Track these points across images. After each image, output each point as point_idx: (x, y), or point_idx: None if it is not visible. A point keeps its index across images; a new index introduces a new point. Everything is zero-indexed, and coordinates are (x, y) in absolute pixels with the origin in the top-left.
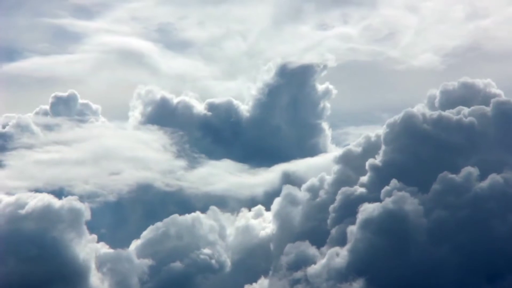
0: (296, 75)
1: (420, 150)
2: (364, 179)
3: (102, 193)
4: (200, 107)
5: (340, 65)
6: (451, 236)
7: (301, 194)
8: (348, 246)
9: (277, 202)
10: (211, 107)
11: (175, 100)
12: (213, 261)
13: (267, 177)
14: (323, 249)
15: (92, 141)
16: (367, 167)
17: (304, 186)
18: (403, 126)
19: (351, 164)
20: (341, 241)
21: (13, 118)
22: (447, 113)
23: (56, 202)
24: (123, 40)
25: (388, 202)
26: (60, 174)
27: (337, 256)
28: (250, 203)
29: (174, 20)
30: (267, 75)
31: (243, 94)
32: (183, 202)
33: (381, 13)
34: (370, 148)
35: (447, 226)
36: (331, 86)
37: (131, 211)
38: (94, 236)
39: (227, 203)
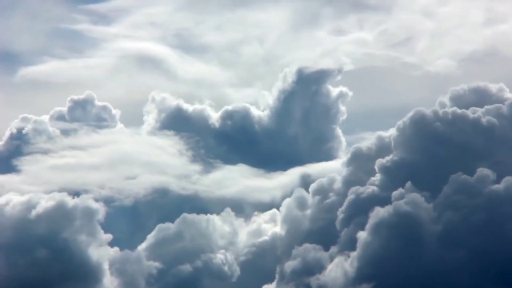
0: (312, 80)
1: (432, 150)
2: (374, 179)
3: (118, 197)
4: (216, 115)
5: (356, 70)
6: (464, 240)
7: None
8: (358, 251)
9: (286, 204)
10: (227, 113)
11: (190, 108)
12: (225, 267)
13: (283, 180)
14: (332, 251)
15: (108, 146)
16: (377, 167)
17: (312, 185)
18: (414, 125)
19: (362, 163)
20: (351, 244)
21: (29, 120)
22: (462, 111)
23: (70, 201)
24: (140, 45)
25: (399, 205)
26: (75, 179)
27: (346, 261)
28: (266, 206)
29: (191, 25)
30: (283, 80)
31: (259, 100)
32: (199, 206)
33: (397, 18)
34: (382, 148)
35: (460, 229)
36: (346, 89)
37: (147, 215)
38: (109, 236)
39: (242, 206)
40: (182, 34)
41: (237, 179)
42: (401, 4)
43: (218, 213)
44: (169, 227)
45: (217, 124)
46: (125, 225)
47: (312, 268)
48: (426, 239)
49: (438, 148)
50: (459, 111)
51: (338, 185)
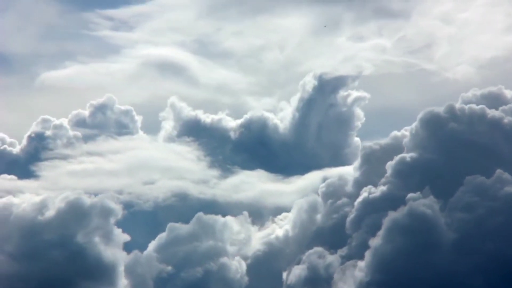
0: (331, 86)
1: (447, 151)
2: (386, 180)
3: (137, 202)
4: (234, 122)
5: (374, 77)
6: (478, 244)
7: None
8: (370, 256)
9: (297, 206)
10: (246, 121)
11: (208, 119)
12: (238, 276)
13: (300, 184)
14: (341, 254)
15: (127, 152)
16: (388, 168)
17: (321, 186)
18: (426, 125)
19: (373, 164)
20: (361, 247)
21: (49, 122)
22: (480, 107)
23: (87, 200)
24: (161, 51)
25: (412, 208)
26: (94, 185)
27: (355, 267)
28: (284, 210)
29: (212, 31)
30: (302, 87)
31: (278, 107)
32: (217, 210)
33: (416, 24)
34: (395, 148)
35: (474, 233)
36: (364, 93)
37: (166, 219)
38: (127, 236)
39: (260, 210)
40: (203, 40)
41: (255, 183)
42: (420, 11)
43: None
44: (181, 227)
45: (235, 132)
46: (144, 228)
47: (320, 276)
48: (439, 243)
49: (453, 149)
50: (476, 108)
51: (349, 185)
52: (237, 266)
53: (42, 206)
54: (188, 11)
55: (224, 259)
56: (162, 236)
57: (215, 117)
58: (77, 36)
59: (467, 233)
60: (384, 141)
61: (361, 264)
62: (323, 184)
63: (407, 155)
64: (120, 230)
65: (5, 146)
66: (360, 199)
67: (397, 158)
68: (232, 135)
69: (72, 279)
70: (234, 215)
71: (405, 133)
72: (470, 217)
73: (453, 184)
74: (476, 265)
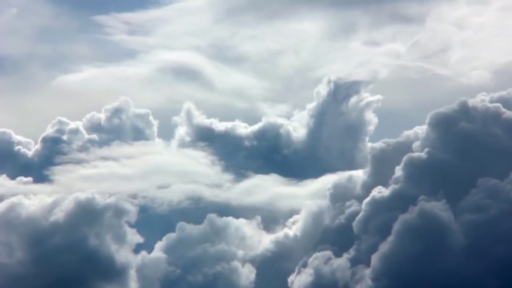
0: (344, 92)
1: (459, 150)
2: (395, 180)
3: (151, 206)
4: (248, 129)
5: (388, 82)
6: (489, 248)
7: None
8: (378, 260)
9: (306, 207)
10: (260, 127)
11: (222, 127)
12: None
13: (314, 187)
14: (348, 256)
15: (141, 157)
16: (398, 168)
17: (329, 187)
18: (438, 123)
19: (384, 163)
20: (369, 250)
21: (64, 125)
22: (494, 106)
23: (101, 200)
24: (177, 55)
25: (421, 210)
26: (107, 189)
27: (363, 271)
28: (296, 213)
29: (228, 35)
30: (316, 93)
31: (292, 112)
32: (231, 213)
33: (431, 29)
34: (408, 147)
35: (486, 236)
36: (378, 97)
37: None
38: (139, 238)
39: (274, 213)
40: (219, 44)
41: (268, 187)
42: (435, 15)
43: (250, 219)
44: (191, 227)
45: (250, 138)
46: (158, 231)
47: (325, 281)
48: (450, 246)
49: (466, 148)
50: (490, 106)
51: (358, 187)
52: (247, 273)
53: (54, 206)
54: (204, 15)
55: (234, 263)
56: (171, 236)
57: (229, 124)
58: (93, 40)
59: (479, 236)
60: (394, 140)
61: (369, 270)
62: (330, 186)
63: (418, 155)
64: (134, 230)
65: (20, 147)
66: (368, 199)
67: (406, 157)
68: (246, 141)
69: (83, 280)
70: (247, 218)
71: (418, 130)
72: (482, 219)
73: (465, 186)
74: (488, 270)
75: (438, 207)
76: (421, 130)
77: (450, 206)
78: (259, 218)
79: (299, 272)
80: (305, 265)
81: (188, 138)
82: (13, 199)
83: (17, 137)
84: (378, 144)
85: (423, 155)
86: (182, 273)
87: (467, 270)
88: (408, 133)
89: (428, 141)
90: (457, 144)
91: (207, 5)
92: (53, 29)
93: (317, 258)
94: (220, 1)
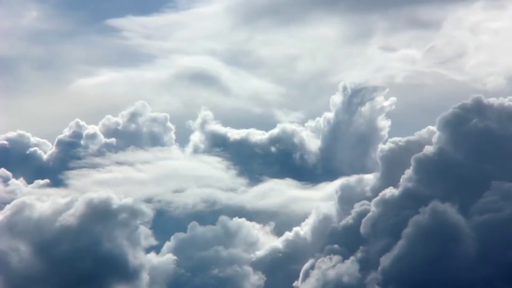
0: (359, 97)
1: (472, 149)
2: (405, 180)
3: (167, 209)
4: (263, 135)
5: (403, 88)
6: (501, 254)
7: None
8: (387, 263)
9: (316, 209)
10: (275, 134)
11: (237, 135)
12: None
13: (329, 190)
14: (355, 258)
15: (157, 162)
16: (407, 171)
17: (336, 189)
18: (451, 122)
19: (394, 164)
20: (376, 252)
21: (82, 128)
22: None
23: (117, 200)
24: (194, 60)
25: (432, 213)
26: (122, 194)
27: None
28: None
29: (245, 40)
30: (331, 99)
31: (308, 118)
32: (246, 216)
33: (446, 34)
34: (421, 146)
35: (499, 240)
36: (392, 100)
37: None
38: (153, 240)
39: (288, 216)
40: (236, 49)
41: (283, 190)
42: (451, 21)
43: (264, 224)
44: (203, 228)
45: (264, 144)
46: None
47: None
48: (461, 249)
49: (479, 148)
50: (506, 103)
51: (367, 188)
52: (256, 278)
53: (68, 207)
54: (221, 20)
55: (243, 267)
56: (180, 236)
57: (245, 131)
58: (111, 44)
59: (492, 240)
60: (404, 139)
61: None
62: (338, 188)
63: (429, 154)
64: (149, 232)
65: (36, 148)
66: (377, 199)
67: (416, 157)
68: (261, 147)
69: (96, 280)
70: (262, 221)
71: (431, 128)
72: (495, 223)
73: (478, 187)
74: (501, 274)
75: (450, 210)
76: (433, 128)
77: (462, 208)
78: (272, 224)
79: (304, 278)
80: (312, 267)
81: (202, 146)
82: (25, 200)
83: (34, 139)
84: (387, 145)
85: (434, 154)
86: (191, 275)
87: (479, 274)
88: (420, 132)
89: (440, 140)
90: (470, 143)
91: (224, 10)
92: (71, 32)
93: (324, 262)
94: (237, 7)
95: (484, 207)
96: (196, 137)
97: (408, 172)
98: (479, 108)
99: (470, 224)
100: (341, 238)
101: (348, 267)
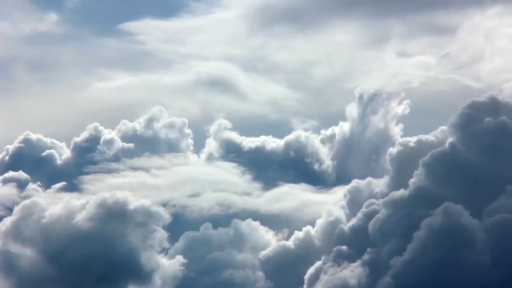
0: (374, 103)
1: (487, 150)
2: (414, 182)
3: (182, 213)
4: (279, 142)
5: (419, 94)
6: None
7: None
8: (397, 267)
9: (326, 212)
10: (290, 141)
11: (253, 144)
12: None
13: (342, 194)
14: (360, 262)
15: (172, 168)
16: (417, 172)
17: (344, 192)
18: (465, 121)
19: (405, 165)
20: (384, 254)
21: (98, 132)
22: None
23: (133, 201)
24: (211, 65)
25: (446, 217)
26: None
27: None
28: None
29: (263, 46)
30: (347, 107)
31: (323, 127)
32: (260, 219)
33: (461, 40)
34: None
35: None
36: (406, 106)
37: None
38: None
39: (300, 219)
40: (254, 54)
41: (298, 194)
42: (466, 27)
43: (279, 228)
44: (215, 231)
45: (280, 151)
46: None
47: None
48: (473, 253)
49: (494, 149)
50: None
51: (375, 190)
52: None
53: (82, 208)
54: (238, 26)
55: (250, 271)
56: (190, 235)
57: (260, 139)
58: (127, 48)
59: (506, 243)
60: (415, 138)
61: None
62: (347, 191)
63: (441, 154)
64: (165, 234)
65: (53, 151)
66: (386, 200)
67: (429, 156)
68: (277, 154)
69: (110, 280)
70: (276, 225)
71: (443, 128)
72: (510, 225)
73: (493, 188)
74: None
75: (463, 212)
76: (445, 128)
77: (475, 209)
78: (285, 231)
79: (310, 284)
80: (318, 272)
81: (218, 153)
82: (38, 201)
83: (50, 141)
84: (396, 147)
85: (446, 154)
86: (200, 277)
87: (493, 278)
88: (433, 132)
89: (452, 138)
90: (485, 142)
91: (241, 15)
92: (89, 36)
93: (331, 266)
94: (254, 12)
95: (498, 209)
96: (212, 145)
97: (417, 173)
98: (494, 106)
99: (484, 226)
100: (348, 240)
101: (357, 272)
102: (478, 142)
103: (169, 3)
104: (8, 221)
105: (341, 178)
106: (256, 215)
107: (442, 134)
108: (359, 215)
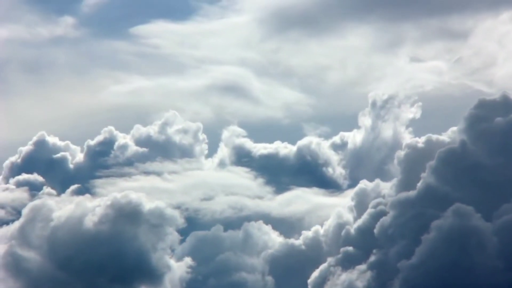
0: (387, 108)
1: (500, 151)
2: (422, 183)
3: (195, 217)
4: (290, 149)
5: (431, 99)
6: None
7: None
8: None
9: (335, 214)
10: (302, 145)
11: (265, 150)
12: None
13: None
14: (364, 266)
15: (185, 172)
16: (424, 174)
17: (352, 195)
18: (476, 121)
19: (414, 167)
20: (392, 257)
21: (112, 135)
22: None
23: (147, 203)
24: (225, 69)
25: (456, 219)
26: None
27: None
28: None
29: (276, 50)
30: (360, 114)
31: (335, 133)
32: (272, 222)
33: (474, 45)
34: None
35: None
36: (417, 110)
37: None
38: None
39: (311, 222)
40: (267, 59)
41: (309, 198)
42: (478, 32)
43: (291, 231)
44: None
45: (292, 156)
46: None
47: None
48: (485, 257)
49: (507, 149)
50: None
51: (383, 192)
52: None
53: (93, 209)
54: (252, 30)
55: (264, 277)
56: (198, 234)
57: (272, 146)
58: (141, 51)
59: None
60: (423, 139)
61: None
62: (354, 194)
63: (451, 153)
64: (178, 237)
65: (66, 153)
66: (393, 200)
67: (438, 154)
68: (289, 159)
69: (122, 280)
70: (289, 226)
71: (453, 129)
72: None
73: (504, 189)
74: None
75: (474, 213)
76: (455, 129)
77: (486, 211)
78: (296, 236)
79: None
80: (323, 275)
81: (229, 160)
82: (49, 203)
83: (64, 144)
84: (404, 150)
85: (456, 153)
86: (207, 279)
87: (504, 284)
88: (445, 133)
89: (463, 137)
90: (496, 142)
91: (255, 20)
92: (104, 39)
93: (337, 269)
94: (268, 17)
95: (509, 211)
96: (225, 151)
97: (427, 171)
98: (505, 105)
99: (495, 229)
100: (355, 241)
101: (363, 276)
102: (489, 142)
103: (183, 6)
104: (18, 223)
105: (353, 183)
106: (268, 218)
107: (453, 135)
108: (366, 216)
